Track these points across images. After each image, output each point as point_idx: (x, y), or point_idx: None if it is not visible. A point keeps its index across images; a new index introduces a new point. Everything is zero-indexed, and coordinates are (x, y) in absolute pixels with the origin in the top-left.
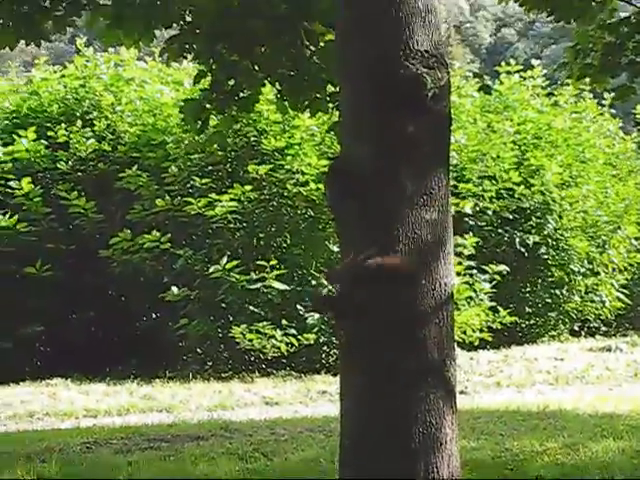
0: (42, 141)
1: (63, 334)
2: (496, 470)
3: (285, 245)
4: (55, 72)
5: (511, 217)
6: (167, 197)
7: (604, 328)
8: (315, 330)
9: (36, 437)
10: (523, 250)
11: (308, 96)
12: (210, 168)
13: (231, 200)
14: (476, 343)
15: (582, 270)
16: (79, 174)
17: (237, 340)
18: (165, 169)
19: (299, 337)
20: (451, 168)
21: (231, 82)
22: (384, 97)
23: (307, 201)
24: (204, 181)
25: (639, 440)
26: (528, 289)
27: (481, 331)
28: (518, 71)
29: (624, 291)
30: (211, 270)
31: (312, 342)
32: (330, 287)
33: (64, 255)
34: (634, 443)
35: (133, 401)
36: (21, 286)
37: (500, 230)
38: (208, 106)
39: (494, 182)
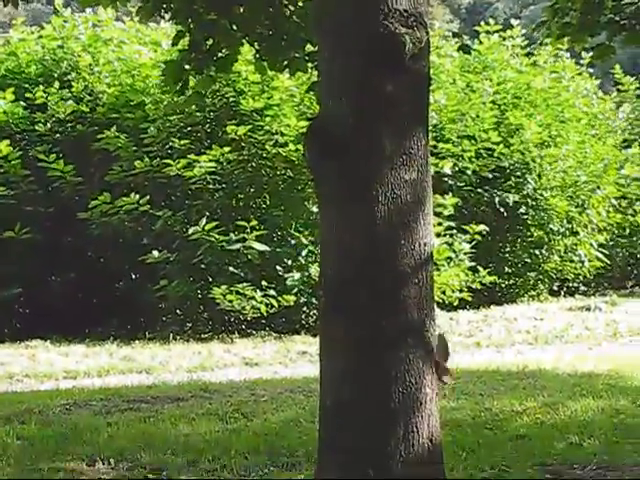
0: (20, 102)
1: (42, 296)
2: (476, 430)
3: (264, 206)
4: (33, 33)
5: (490, 177)
6: (146, 158)
7: (583, 288)
8: (295, 291)
9: (15, 399)
10: (502, 210)
11: (287, 55)
12: (189, 129)
13: (210, 161)
14: (455, 303)
15: (561, 230)
16: (57, 136)
17: (217, 301)
18: (144, 130)
19: (279, 298)
20: (430, 128)
21: (209, 42)
22: (363, 56)
23: (286, 162)
24: (183, 142)
25: (618, 399)
26: (507, 249)
27: (460, 291)
28: (497, 31)
29: (603, 251)
30: (190, 231)
31: (292, 303)
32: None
33: (43, 218)
34: (613, 402)
35: (113, 362)
36: (0, 249)
37: (479, 190)
38: (187, 67)
39: (473, 142)
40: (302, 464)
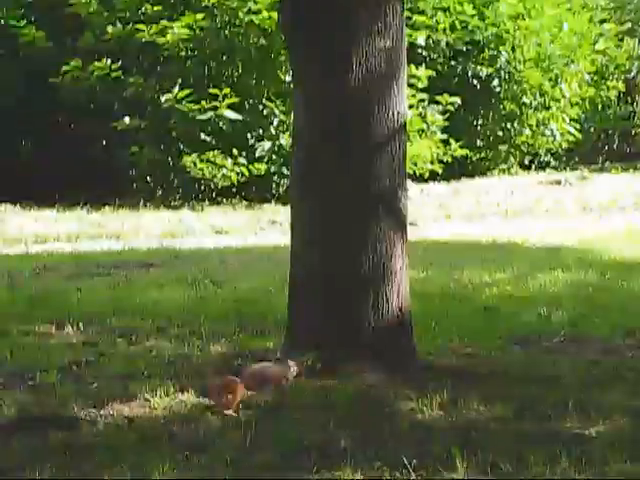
0: None
1: (12, 162)
2: (445, 300)
3: (237, 74)
4: None
5: (464, 49)
6: (118, 24)
7: (554, 162)
8: (265, 160)
9: None
10: (475, 82)
11: None
12: None
13: (183, 27)
14: (426, 175)
15: (534, 103)
16: (29, 1)
17: (187, 169)
18: None
19: (249, 167)
20: None
21: None
22: None
23: (259, 30)
24: (156, 8)
25: (587, 272)
26: (480, 122)
27: (432, 163)
28: None
29: (575, 125)
30: (163, 99)
31: (262, 172)
32: None
33: (14, 82)
34: (582, 275)
35: (82, 228)
36: None
37: (453, 62)
38: None
39: (448, 14)
40: (271, 331)
